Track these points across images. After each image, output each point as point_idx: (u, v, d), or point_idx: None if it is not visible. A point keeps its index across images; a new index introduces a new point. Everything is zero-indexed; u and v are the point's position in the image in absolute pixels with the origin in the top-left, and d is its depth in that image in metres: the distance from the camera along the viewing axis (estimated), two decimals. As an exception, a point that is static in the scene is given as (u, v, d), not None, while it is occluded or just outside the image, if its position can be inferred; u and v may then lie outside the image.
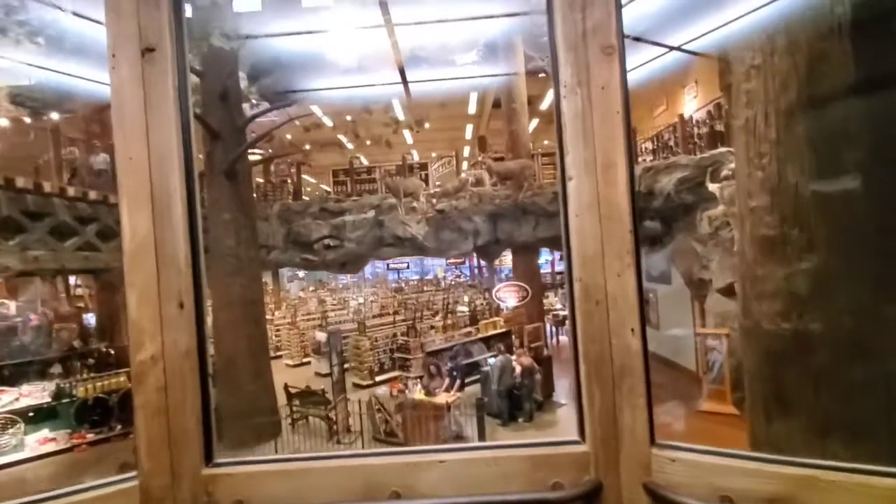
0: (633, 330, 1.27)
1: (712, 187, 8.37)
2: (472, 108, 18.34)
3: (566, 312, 17.35)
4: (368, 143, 14.51)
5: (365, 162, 17.96)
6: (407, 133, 20.35)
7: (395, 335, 13.87)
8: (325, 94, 14.25)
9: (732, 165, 7.97)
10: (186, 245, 1.36)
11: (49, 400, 9.68)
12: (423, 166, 14.33)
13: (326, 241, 11.73)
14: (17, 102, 13.34)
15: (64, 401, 9.72)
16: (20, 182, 7.20)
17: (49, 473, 8.51)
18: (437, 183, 16.38)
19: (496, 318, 14.02)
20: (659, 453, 1.26)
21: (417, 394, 9.91)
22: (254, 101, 13.50)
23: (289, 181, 14.65)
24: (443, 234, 11.78)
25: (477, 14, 11.28)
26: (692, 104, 11.74)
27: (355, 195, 13.67)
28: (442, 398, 9.50)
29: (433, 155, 23.82)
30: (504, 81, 12.80)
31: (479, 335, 13.27)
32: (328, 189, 20.22)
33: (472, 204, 11.58)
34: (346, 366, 14.12)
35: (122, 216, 1.32)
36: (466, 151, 24.82)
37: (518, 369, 9.92)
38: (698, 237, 9.32)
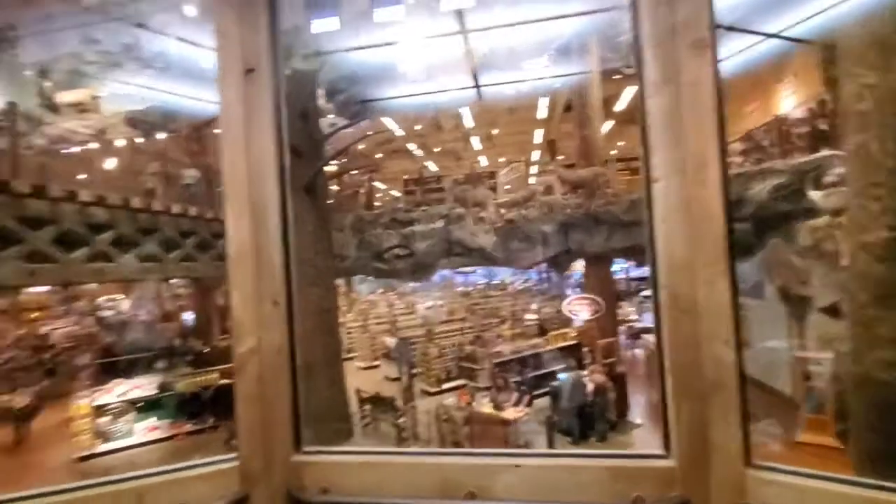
0: (726, 341, 1.18)
1: (814, 195, 7.57)
2: (541, 113, 18.14)
3: (643, 324, 16.49)
4: (437, 149, 14.80)
5: (434, 169, 18.35)
6: (476, 139, 20.47)
7: (462, 343, 13.93)
8: (397, 103, 14.74)
9: (837, 171, 7.17)
10: (281, 250, 1.47)
11: (155, 392, 10.82)
12: (492, 174, 14.33)
13: (396, 251, 12.10)
14: (132, 125, 15.20)
15: (167, 393, 10.81)
16: (135, 203, 8.19)
17: (154, 458, 9.48)
18: (507, 186, 16.34)
19: (566, 330, 13.62)
20: (755, 474, 1.16)
21: (485, 407, 9.83)
22: (330, 117, 14.31)
23: (361, 191, 15.33)
24: (511, 243, 11.68)
25: (551, 15, 11.19)
26: (789, 101, 10.74)
27: (425, 204, 14.00)
28: (510, 413, 9.34)
29: (501, 160, 23.84)
30: (576, 84, 12.56)
31: (549, 347, 12.95)
32: (398, 194, 20.86)
33: (542, 213, 11.40)
34: (414, 371, 14.42)
35: (227, 223, 1.45)
36: (536, 155, 24.55)
37: (590, 387, 9.52)
38: (797, 249, 8.47)
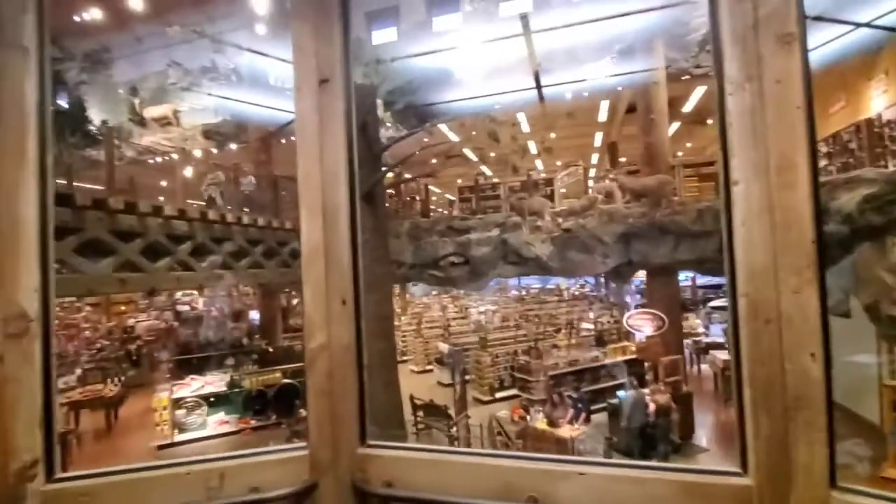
0: (813, 355, 1.11)
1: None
2: (602, 116, 17.66)
3: (710, 338, 15.46)
4: (493, 154, 14.87)
5: (489, 174, 18.36)
6: (532, 144, 20.18)
7: (515, 352, 13.74)
8: (454, 109, 14.90)
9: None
10: (349, 251, 1.55)
11: (225, 388, 11.54)
12: (549, 181, 14.07)
13: (452, 259, 12.16)
14: (207, 137, 16.41)
15: (235, 390, 11.50)
16: (211, 215, 8.87)
17: (224, 450, 10.08)
18: (562, 189, 16.01)
19: (626, 343, 13.07)
20: (841, 497, 1.09)
21: (539, 422, 9.60)
22: (388, 125, 14.73)
23: (417, 198, 15.62)
24: (569, 253, 11.38)
25: (614, 13, 10.94)
26: (880, 100, 9.76)
27: (480, 212, 13.99)
28: (565, 430, 9.06)
29: (558, 163, 23.43)
30: (640, 85, 12.13)
31: (607, 360, 12.48)
32: (452, 198, 20.89)
33: (602, 223, 11.04)
34: (467, 377, 14.40)
35: (301, 224, 1.55)
36: (595, 158, 23.84)
37: (652, 406, 9.04)
38: (889, 266, 7.67)
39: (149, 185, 20.27)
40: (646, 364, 10.79)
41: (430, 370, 16.19)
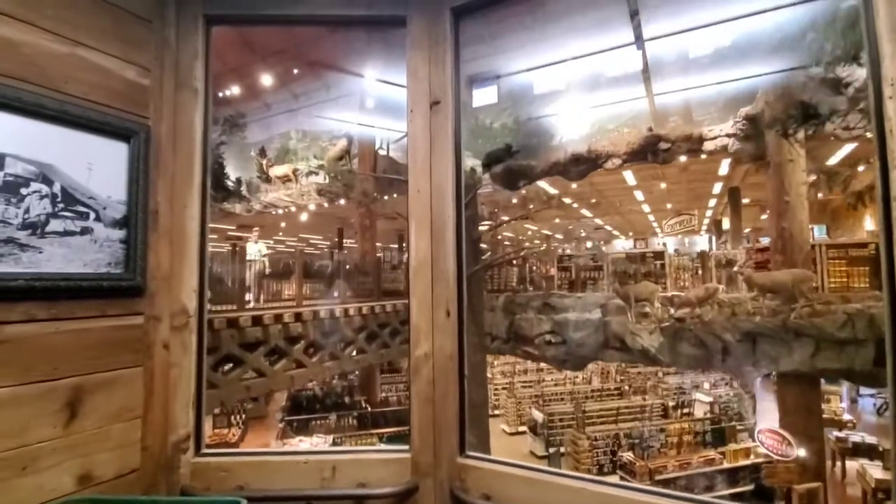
0: None
1: None
2: (723, 170, 15.90)
3: (860, 437, 12.96)
4: (593, 201, 14.11)
5: (589, 215, 17.40)
6: (639, 193, 19.10)
7: (617, 437, 12.80)
8: (556, 168, 14.45)
9: None
10: (454, 263, 1.63)
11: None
12: (658, 255, 12.62)
13: (548, 338, 11.69)
14: (320, 194, 17.68)
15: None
16: (321, 313, 9.41)
17: None
18: (668, 230, 14.57)
19: (751, 444, 11.48)
20: None
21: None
22: (485, 183, 14.69)
23: (514, 263, 15.22)
24: (680, 346, 10.27)
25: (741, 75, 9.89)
26: None
27: (580, 284, 13.25)
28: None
29: (668, 206, 21.75)
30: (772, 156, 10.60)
31: (725, 464, 11.07)
32: (548, 232, 20.07)
33: (724, 317, 9.78)
34: (561, 450, 13.78)
35: (410, 237, 1.67)
36: (712, 202, 21.59)
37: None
38: None
39: (271, 229, 22.42)
40: (776, 485, 9.32)
41: (523, 432, 15.76)
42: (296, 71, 13.74)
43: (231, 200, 16.89)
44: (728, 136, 11.98)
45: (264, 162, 17.72)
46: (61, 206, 1.37)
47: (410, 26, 1.68)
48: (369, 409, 13.91)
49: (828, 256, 10.60)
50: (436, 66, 1.66)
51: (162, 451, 1.54)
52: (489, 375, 17.63)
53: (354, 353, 10.08)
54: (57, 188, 1.37)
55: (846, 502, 10.82)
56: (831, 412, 13.85)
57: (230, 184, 16.20)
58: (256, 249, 11.27)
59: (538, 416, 14.48)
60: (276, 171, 17.36)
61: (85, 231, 1.42)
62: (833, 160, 12.88)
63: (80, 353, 1.38)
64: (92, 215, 1.44)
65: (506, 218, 17.31)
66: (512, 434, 15.95)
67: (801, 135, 9.98)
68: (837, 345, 8.86)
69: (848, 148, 11.94)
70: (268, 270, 10.74)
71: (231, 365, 7.63)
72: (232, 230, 21.71)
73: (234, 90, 15.92)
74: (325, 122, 17.44)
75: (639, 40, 9.30)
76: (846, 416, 14.02)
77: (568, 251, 16.64)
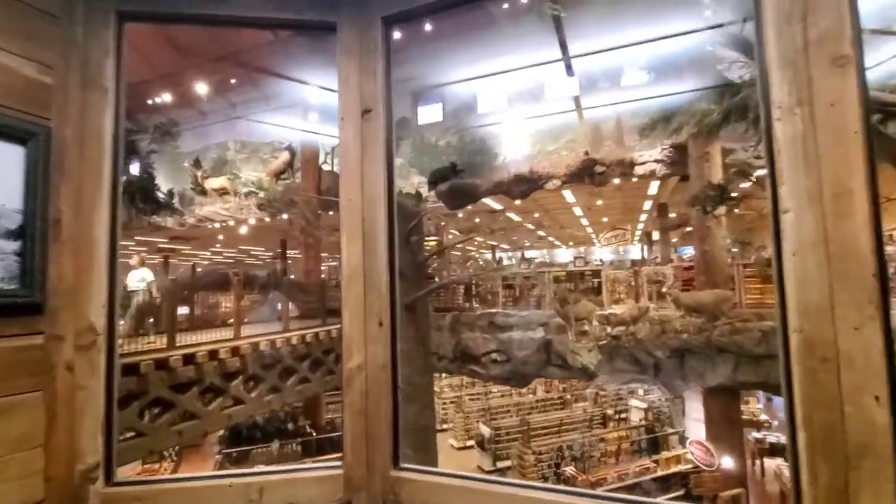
0: (877, 398, 1.03)
1: None
2: (652, 190, 16.98)
3: (776, 437, 13.99)
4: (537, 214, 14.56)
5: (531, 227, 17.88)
6: (578, 209, 19.83)
7: (560, 450, 13.04)
8: (500, 186, 14.80)
9: None
10: (387, 273, 1.61)
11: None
12: (596, 273, 13.26)
13: (494, 357, 11.81)
14: (260, 208, 17.01)
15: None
16: (262, 345, 8.88)
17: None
18: (604, 242, 15.16)
19: (682, 450, 12.11)
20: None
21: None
22: (430, 202, 14.72)
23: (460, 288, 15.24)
24: (616, 362, 10.74)
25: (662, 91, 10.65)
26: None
27: (524, 301, 13.54)
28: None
29: (604, 220, 22.73)
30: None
31: (659, 472, 11.59)
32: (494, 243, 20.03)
33: (654, 335, 10.34)
34: (508, 464, 13.83)
35: (342, 247, 1.63)
36: (643, 217, 23.04)
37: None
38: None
39: (206, 243, 21.17)
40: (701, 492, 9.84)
41: (471, 446, 15.67)
42: (233, 81, 13.27)
43: (162, 213, 15.83)
44: (656, 161, 12.84)
45: (199, 173, 16.82)
46: (-55, 215, 1.23)
47: (341, 33, 1.66)
48: (314, 434, 13.30)
49: (744, 275, 11.51)
50: (367, 74, 1.64)
51: (68, 481, 1.42)
52: (437, 389, 17.48)
53: (298, 384, 9.62)
54: (-61, 195, 1.23)
55: (766, 500, 11.60)
56: (750, 413, 14.95)
57: (161, 196, 15.16)
58: (139, 277, 8.93)
59: (485, 430, 14.51)
60: (213, 183, 16.52)
61: (-28, 243, 1.28)
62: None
63: (-31, 378, 1.24)
64: (-19, 226, 1.30)
65: (454, 233, 17.38)
66: (460, 449, 15.87)
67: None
68: (754, 360, 9.59)
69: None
70: (157, 300, 8.77)
71: (159, 409, 7.02)
72: (164, 242, 20.36)
73: (167, 97, 15.09)
74: (266, 132, 16.90)
75: (569, 69, 9.85)
76: (763, 416, 15.09)
77: (514, 269, 16.97)
